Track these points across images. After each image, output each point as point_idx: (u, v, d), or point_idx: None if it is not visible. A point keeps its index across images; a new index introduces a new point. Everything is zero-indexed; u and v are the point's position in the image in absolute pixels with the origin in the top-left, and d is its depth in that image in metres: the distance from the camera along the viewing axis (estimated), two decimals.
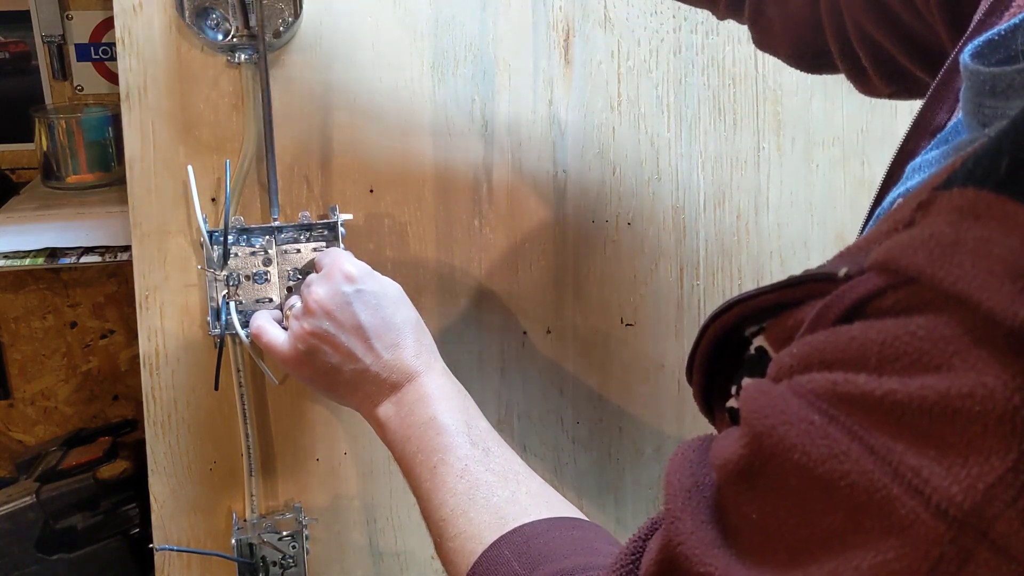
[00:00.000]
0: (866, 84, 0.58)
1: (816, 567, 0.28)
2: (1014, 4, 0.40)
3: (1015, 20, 0.35)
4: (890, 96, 0.58)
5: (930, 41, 0.51)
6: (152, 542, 0.80)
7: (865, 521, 0.26)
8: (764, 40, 0.63)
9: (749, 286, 0.88)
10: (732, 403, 0.39)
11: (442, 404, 0.61)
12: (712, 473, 0.33)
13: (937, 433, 0.25)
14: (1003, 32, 0.36)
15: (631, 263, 0.87)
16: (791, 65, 0.64)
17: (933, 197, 0.29)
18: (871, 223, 0.44)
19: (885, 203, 0.42)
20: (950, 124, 0.41)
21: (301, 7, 0.74)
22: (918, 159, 0.41)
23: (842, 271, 0.32)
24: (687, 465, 0.35)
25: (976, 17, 0.43)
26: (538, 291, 0.86)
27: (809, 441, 0.28)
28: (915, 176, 0.40)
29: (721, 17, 0.67)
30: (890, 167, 0.44)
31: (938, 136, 0.41)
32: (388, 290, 0.65)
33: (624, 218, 0.86)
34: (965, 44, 0.42)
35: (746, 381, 0.37)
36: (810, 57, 0.61)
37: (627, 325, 0.88)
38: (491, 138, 0.83)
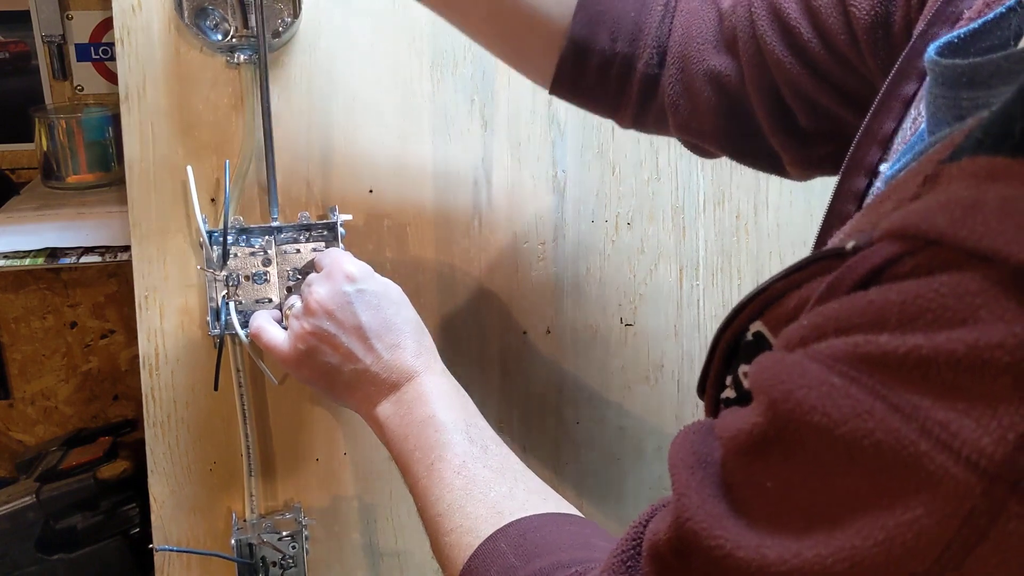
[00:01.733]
0: (801, 151, 0.57)
1: (839, 532, 0.27)
2: (969, 9, 0.41)
3: (1000, 10, 0.36)
4: (825, 159, 0.57)
5: (862, 87, 0.52)
6: (152, 542, 0.80)
7: (891, 480, 0.26)
8: (695, 141, 0.62)
9: (749, 286, 0.88)
10: (728, 393, 0.39)
11: (441, 402, 0.61)
12: (717, 449, 0.33)
13: (965, 386, 0.25)
14: (978, 28, 0.36)
15: (631, 263, 0.87)
16: (725, 153, 0.62)
17: (940, 170, 0.29)
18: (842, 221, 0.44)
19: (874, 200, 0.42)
20: (917, 132, 0.41)
21: (300, 7, 0.74)
22: (888, 173, 0.41)
23: (850, 244, 0.31)
24: (689, 444, 0.34)
25: (918, 29, 0.43)
26: (538, 291, 0.86)
27: (830, 402, 0.28)
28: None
29: (626, 126, 0.65)
30: (842, 177, 0.45)
31: (904, 147, 0.42)
32: (389, 291, 0.65)
33: (624, 218, 0.86)
34: (914, 53, 0.43)
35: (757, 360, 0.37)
36: (738, 137, 0.59)
37: (627, 325, 0.88)
38: (490, 138, 0.83)
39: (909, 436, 0.26)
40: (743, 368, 0.38)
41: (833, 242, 0.34)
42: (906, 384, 0.26)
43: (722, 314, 0.88)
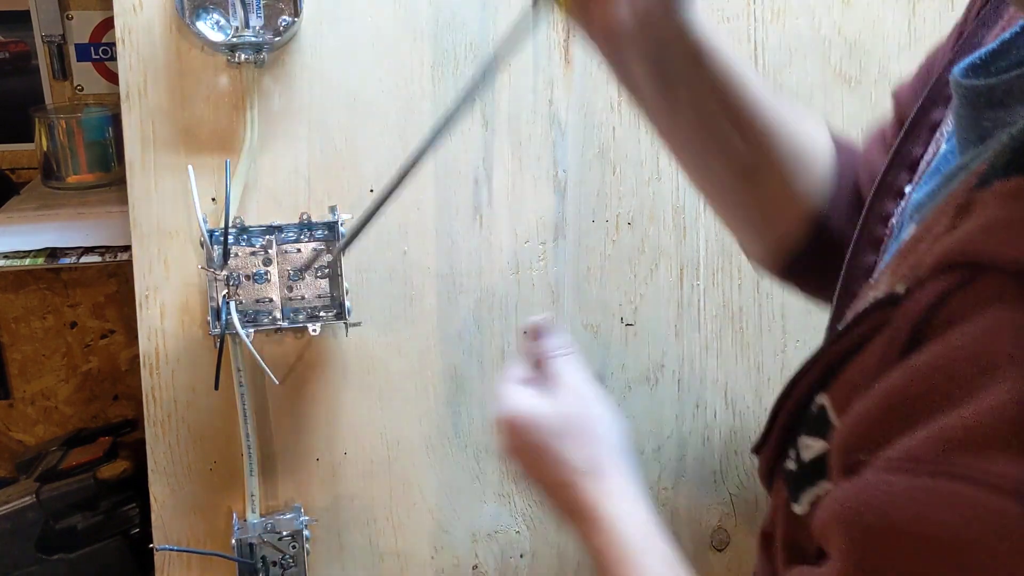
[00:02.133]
0: None
1: None
2: (991, 33, 0.40)
3: (1015, 28, 0.36)
4: None
5: None
6: (152, 542, 0.80)
7: (1019, 566, 0.25)
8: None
9: (749, 286, 0.88)
10: (790, 465, 0.37)
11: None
12: None
13: None
14: (996, 48, 0.36)
15: (631, 263, 0.87)
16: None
17: (971, 198, 0.29)
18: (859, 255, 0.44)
19: (899, 239, 0.41)
20: (938, 156, 0.41)
21: (301, 7, 0.74)
22: (916, 197, 0.41)
23: (902, 288, 0.31)
24: None
25: (948, 57, 0.44)
26: (538, 291, 0.86)
27: (928, 508, 0.26)
28: (916, 216, 0.40)
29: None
30: (871, 202, 0.44)
31: (928, 170, 0.42)
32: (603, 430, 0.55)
33: (624, 218, 0.86)
34: (942, 80, 0.43)
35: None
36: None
37: (627, 325, 0.88)
38: (491, 138, 0.83)
39: (1017, 511, 0.24)
40: (804, 440, 0.36)
41: (876, 294, 0.33)
42: (991, 453, 0.25)
43: (723, 314, 0.89)
